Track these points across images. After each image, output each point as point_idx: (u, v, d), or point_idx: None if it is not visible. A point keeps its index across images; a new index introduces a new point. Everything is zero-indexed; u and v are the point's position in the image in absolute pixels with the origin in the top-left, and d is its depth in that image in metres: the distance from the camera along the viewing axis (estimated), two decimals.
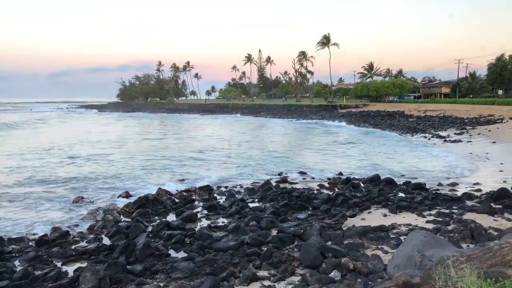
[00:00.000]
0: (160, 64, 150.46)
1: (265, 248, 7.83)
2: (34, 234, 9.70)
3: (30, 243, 9.06)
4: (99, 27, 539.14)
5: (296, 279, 6.63)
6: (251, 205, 11.98)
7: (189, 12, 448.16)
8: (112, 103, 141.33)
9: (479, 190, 13.29)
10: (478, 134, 31.64)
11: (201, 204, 12.49)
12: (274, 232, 9.06)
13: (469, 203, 11.42)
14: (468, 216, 9.77)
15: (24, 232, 9.92)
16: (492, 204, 10.59)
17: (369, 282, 6.06)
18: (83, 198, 12.98)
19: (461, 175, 16.65)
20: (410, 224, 9.37)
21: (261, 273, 6.87)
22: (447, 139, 30.70)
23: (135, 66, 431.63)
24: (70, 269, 7.35)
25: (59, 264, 7.70)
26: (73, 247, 8.73)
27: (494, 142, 26.39)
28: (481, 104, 55.16)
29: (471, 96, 77.04)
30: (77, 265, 7.63)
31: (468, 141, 28.49)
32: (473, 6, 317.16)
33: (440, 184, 14.72)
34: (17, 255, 8.23)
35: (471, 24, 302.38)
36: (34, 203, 12.74)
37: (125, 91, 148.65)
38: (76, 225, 10.43)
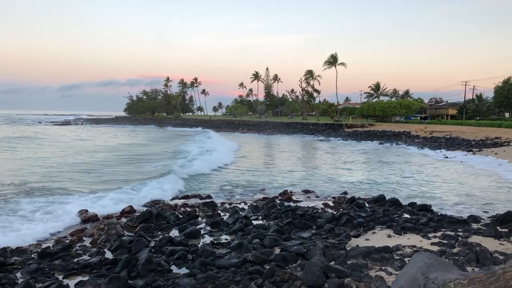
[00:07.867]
0: (168, 79, 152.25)
1: (268, 267, 7.76)
2: (36, 246, 9.71)
3: (32, 255, 9.05)
4: (111, 40, 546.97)
5: None
6: (254, 222, 11.91)
7: (198, 29, 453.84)
8: (120, 117, 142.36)
9: (486, 211, 13.17)
10: (485, 156, 31.50)
11: (204, 220, 12.46)
12: (277, 250, 8.99)
13: (475, 226, 11.30)
14: (474, 239, 9.67)
15: (27, 243, 9.93)
16: (498, 227, 10.48)
17: None
18: (87, 211, 12.99)
19: (467, 196, 16.52)
20: (414, 246, 9.27)
21: None
22: (453, 160, 30.56)
23: (145, 81, 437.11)
24: (72, 283, 7.31)
25: (60, 277, 7.67)
26: (75, 260, 8.68)
27: (500, 164, 26.25)
28: (488, 127, 55.17)
29: (477, 118, 77.04)
30: (79, 278, 7.58)
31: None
32: (481, 28, 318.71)
33: (445, 205, 14.61)
34: (19, 267, 8.21)
35: (479, 46, 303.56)
36: (38, 214, 12.74)
37: (132, 105, 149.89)
38: (79, 238, 10.41)
